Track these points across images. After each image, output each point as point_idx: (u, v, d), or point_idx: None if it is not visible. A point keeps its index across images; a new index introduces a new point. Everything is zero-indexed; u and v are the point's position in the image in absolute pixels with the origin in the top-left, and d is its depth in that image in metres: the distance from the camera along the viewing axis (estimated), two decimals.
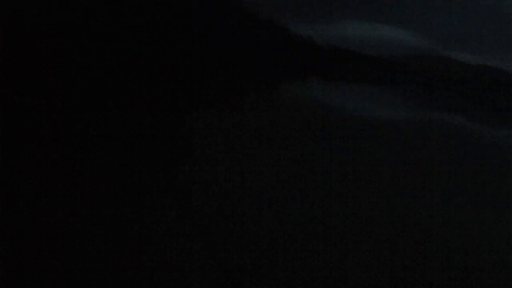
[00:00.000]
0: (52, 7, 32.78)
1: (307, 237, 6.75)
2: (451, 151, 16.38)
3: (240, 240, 6.38)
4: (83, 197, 7.98)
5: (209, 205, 7.81)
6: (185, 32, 63.11)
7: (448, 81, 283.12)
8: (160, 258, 5.69)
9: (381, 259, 6.27)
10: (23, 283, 4.83)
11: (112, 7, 40.78)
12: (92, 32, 36.93)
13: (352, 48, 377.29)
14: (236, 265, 5.49)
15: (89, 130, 15.18)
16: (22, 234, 6.22)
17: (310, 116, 19.62)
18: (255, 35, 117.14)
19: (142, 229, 6.59)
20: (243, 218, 7.19)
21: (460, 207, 9.47)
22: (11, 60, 28.39)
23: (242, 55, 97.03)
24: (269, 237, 6.61)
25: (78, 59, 34.42)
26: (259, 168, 9.98)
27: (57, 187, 8.56)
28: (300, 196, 8.58)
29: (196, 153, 11.45)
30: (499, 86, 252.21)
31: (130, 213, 7.28)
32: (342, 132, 16.42)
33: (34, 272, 5.07)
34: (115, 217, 7.06)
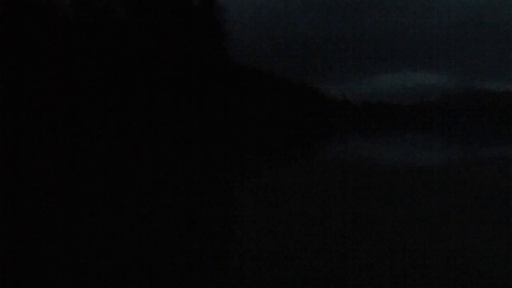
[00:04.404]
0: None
1: None
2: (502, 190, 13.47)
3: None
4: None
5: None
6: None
7: (488, 110, 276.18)
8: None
9: None
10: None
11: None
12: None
13: (385, 100, 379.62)
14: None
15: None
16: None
17: (352, 170, 19.41)
18: (289, 99, 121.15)
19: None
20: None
21: None
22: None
23: (277, 120, 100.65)
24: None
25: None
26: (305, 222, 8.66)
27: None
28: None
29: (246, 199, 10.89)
30: None
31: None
32: (387, 182, 15.83)
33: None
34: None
